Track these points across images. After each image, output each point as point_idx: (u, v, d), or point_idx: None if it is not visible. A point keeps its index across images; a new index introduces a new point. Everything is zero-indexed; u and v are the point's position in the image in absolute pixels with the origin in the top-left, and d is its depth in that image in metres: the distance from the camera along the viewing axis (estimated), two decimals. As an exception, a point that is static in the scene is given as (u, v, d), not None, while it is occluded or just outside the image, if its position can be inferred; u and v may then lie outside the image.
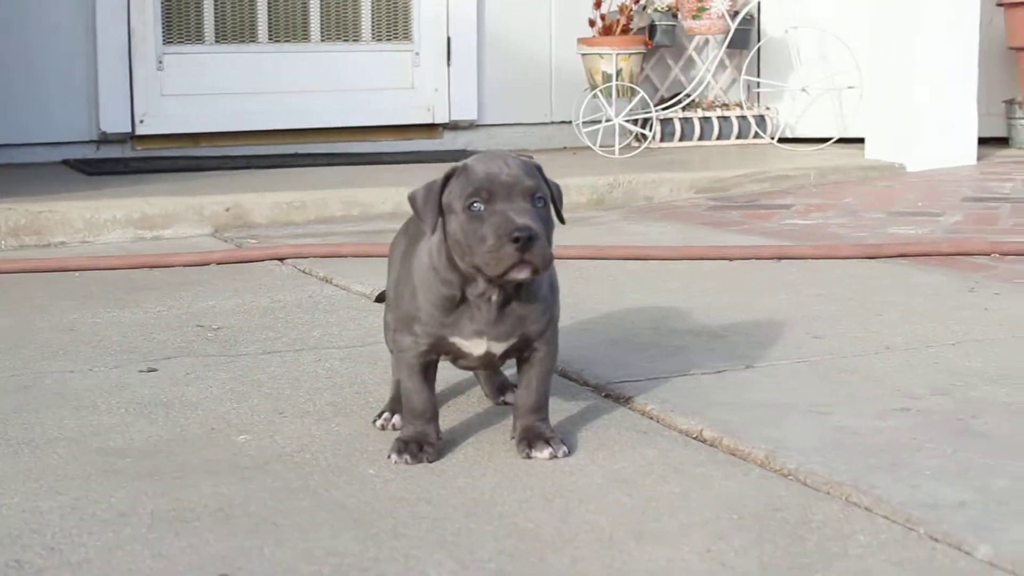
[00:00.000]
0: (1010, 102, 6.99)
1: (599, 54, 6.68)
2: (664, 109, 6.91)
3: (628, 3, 6.79)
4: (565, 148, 7.15)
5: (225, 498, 2.06)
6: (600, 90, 6.64)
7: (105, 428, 2.44)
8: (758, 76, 7.23)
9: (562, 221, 2.21)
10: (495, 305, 2.16)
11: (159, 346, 3.08)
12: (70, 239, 4.72)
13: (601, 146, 6.70)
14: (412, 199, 2.15)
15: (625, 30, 6.75)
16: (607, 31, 6.75)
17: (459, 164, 2.13)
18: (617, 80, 6.65)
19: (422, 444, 2.22)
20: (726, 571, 1.75)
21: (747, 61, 7.40)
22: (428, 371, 2.24)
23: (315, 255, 4.26)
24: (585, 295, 3.57)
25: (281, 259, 4.28)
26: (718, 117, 7.18)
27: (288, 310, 3.48)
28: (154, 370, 2.86)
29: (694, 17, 6.82)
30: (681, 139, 7.09)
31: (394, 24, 6.87)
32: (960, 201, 5.16)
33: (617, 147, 6.59)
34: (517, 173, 2.09)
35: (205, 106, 6.43)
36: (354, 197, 5.13)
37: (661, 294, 3.60)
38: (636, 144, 6.77)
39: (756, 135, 7.23)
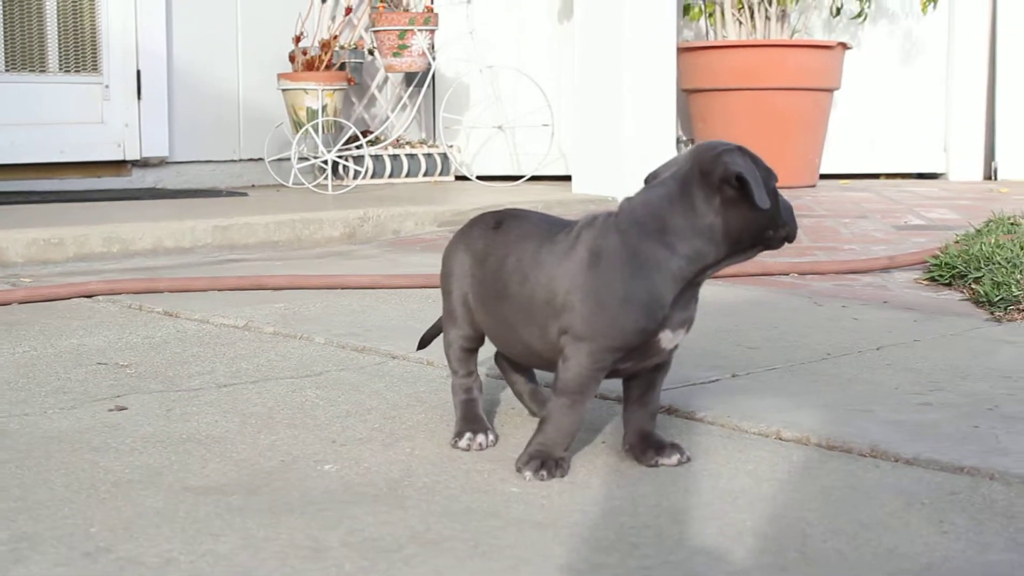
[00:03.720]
0: (678, 141, 7.45)
1: (304, 89, 6.57)
2: (359, 147, 6.88)
3: (329, 39, 6.73)
4: (254, 186, 6.99)
5: (401, 526, 1.91)
6: (309, 126, 6.53)
7: (160, 468, 2.19)
8: (436, 115, 7.34)
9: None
10: (697, 290, 2.18)
11: (86, 384, 2.78)
12: None
13: (307, 183, 6.59)
14: (742, 179, 2.06)
15: (328, 66, 6.68)
16: (309, 66, 6.66)
17: (733, 145, 2.12)
18: (323, 116, 6.57)
19: (557, 459, 2.14)
20: (988, 549, 1.81)
21: (428, 100, 7.51)
22: None
23: (129, 291, 3.97)
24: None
25: (89, 295, 3.94)
26: (406, 155, 7.24)
27: (174, 345, 3.22)
28: (124, 408, 2.58)
29: (395, 55, 6.84)
30: (373, 176, 7.09)
31: (82, 55, 6.49)
32: (700, 229, 5.46)
33: (330, 184, 6.50)
34: None
35: None
36: (116, 233, 4.80)
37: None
38: (335, 181, 6.71)
39: (441, 172, 7.34)
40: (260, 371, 2.91)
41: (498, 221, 2.35)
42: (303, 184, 6.64)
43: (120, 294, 3.94)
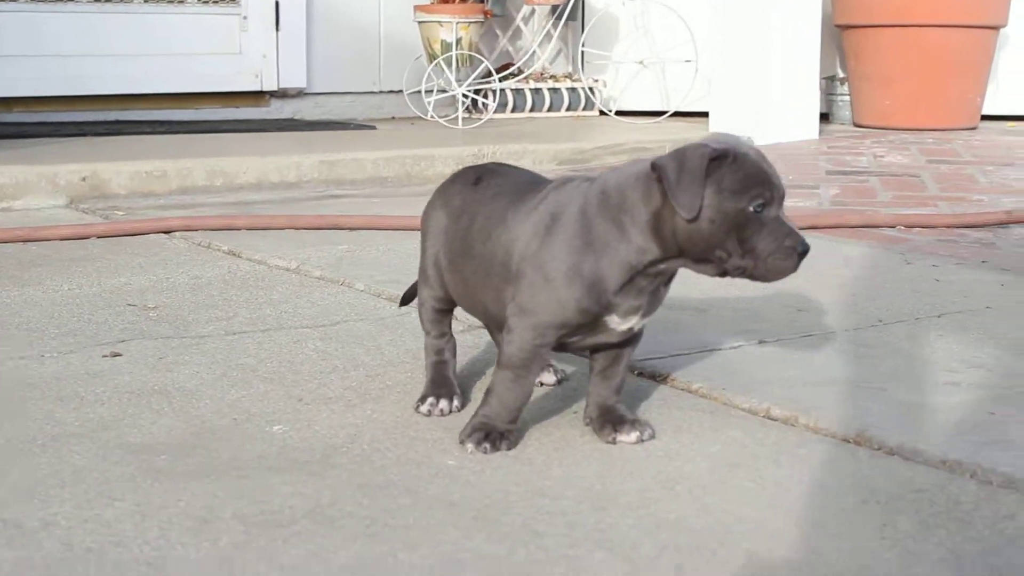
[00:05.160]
0: (831, 79, 7.13)
1: (439, 22, 6.49)
2: (494, 81, 6.76)
3: (466, -30, 6.62)
4: (394, 118, 6.95)
5: (310, 498, 1.83)
6: (441, 59, 6.45)
7: (110, 421, 2.15)
8: (583, 48, 7.17)
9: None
10: (661, 280, 2.00)
11: (101, 328, 2.78)
12: (-91, 211, 4.27)
13: (439, 117, 6.52)
14: (662, 169, 1.90)
15: (464, -2, 6.58)
16: (445, -1, 6.57)
17: (716, 148, 1.91)
18: (457, 49, 6.48)
19: (503, 432, 2.02)
20: (920, 561, 1.64)
21: (576, 33, 7.35)
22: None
23: (207, 227, 3.96)
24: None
25: (168, 232, 3.96)
26: (549, 89, 7.10)
27: (216, 287, 3.20)
28: (118, 354, 2.56)
29: (532, -14, 6.69)
30: (513, 110, 6.98)
31: (221, -15, 6.50)
32: (826, 175, 5.21)
33: (460, 118, 6.42)
34: (780, 178, 1.98)
35: (17, 68, 5.95)
36: (219, 167, 4.82)
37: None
38: (467, 115, 6.62)
39: (585, 107, 7.18)
40: (278, 319, 2.86)
41: (478, 177, 2.23)
42: (438, 118, 6.57)
43: (197, 231, 3.94)
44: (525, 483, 1.89)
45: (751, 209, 1.91)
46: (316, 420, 2.17)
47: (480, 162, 5.34)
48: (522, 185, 2.14)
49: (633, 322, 2.00)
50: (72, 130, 5.64)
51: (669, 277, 2.03)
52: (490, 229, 2.08)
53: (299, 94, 6.78)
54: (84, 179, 4.55)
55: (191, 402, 2.26)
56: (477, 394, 2.29)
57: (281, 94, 6.73)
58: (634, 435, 2.06)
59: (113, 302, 3.02)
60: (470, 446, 2.02)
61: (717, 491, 1.87)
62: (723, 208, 1.90)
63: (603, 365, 2.10)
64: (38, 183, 4.47)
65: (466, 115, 6.58)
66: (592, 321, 1.97)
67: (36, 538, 1.67)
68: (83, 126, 5.82)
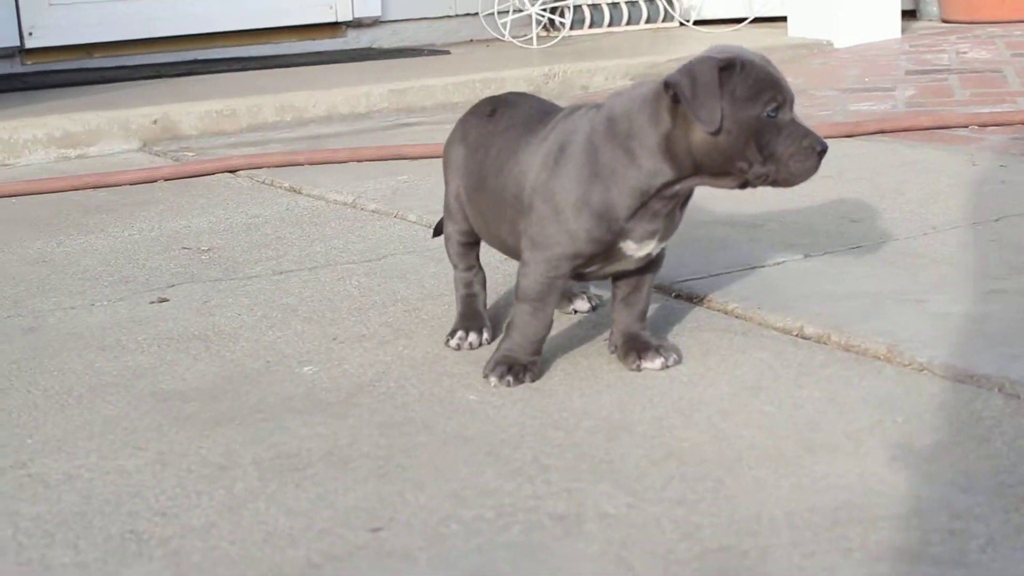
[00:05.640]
0: (917, -27, 6.93)
1: (509, -60, 6.41)
2: (572, -4, 6.68)
3: None
4: (471, 41, 6.90)
5: (328, 439, 1.85)
6: (513, -22, 6.39)
7: (147, 369, 2.20)
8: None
9: None
10: (676, 201, 1.98)
11: (153, 273, 2.82)
12: (-12, 163, 4.36)
13: (515, 38, 6.46)
14: (676, 86, 1.87)
15: (533, -87, 6.49)
16: (514, -85, 6.48)
17: (722, 58, 1.88)
18: (529, -33, 6.40)
19: (525, 364, 2.03)
20: (931, 484, 1.61)
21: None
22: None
23: (270, 165, 4.00)
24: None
25: (233, 171, 4.00)
26: (626, 2, 7.00)
27: (272, 225, 3.23)
28: (165, 300, 2.61)
29: None
30: (591, 26, 6.90)
31: (291, -83, 6.49)
32: (905, 75, 5.07)
33: (535, 37, 6.36)
34: (787, 82, 1.95)
35: (97, 14, 6.02)
36: (288, 102, 4.85)
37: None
38: (544, 34, 6.55)
39: (665, 18, 7.07)
40: (328, 255, 2.88)
41: (493, 108, 2.22)
42: (514, 39, 6.52)
43: (261, 168, 3.98)
44: (542, 415, 1.90)
45: (766, 114, 1.88)
46: (347, 359, 2.19)
47: (550, 82, 5.31)
48: (534, 116, 2.13)
49: (651, 247, 1.99)
50: (149, 72, 5.70)
51: (685, 199, 2.00)
52: (503, 162, 2.07)
53: (374, 23, 6.77)
54: (155, 122, 4.61)
55: (227, 346, 2.30)
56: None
57: (356, 24, 6.72)
58: (659, 361, 2.05)
59: (170, 246, 3.07)
60: (493, 380, 2.02)
61: (734, 416, 1.86)
62: (739, 117, 1.88)
63: (625, 292, 2.09)
64: (110, 128, 4.54)
65: (544, 34, 6.52)
66: (607, 250, 1.96)
67: (57, 492, 1.72)
68: (160, 68, 5.89)
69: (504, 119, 2.16)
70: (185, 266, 2.87)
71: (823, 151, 1.91)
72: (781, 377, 1.99)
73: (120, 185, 3.90)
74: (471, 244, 2.27)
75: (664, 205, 1.96)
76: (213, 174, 3.99)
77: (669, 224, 1.99)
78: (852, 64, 5.44)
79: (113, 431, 1.92)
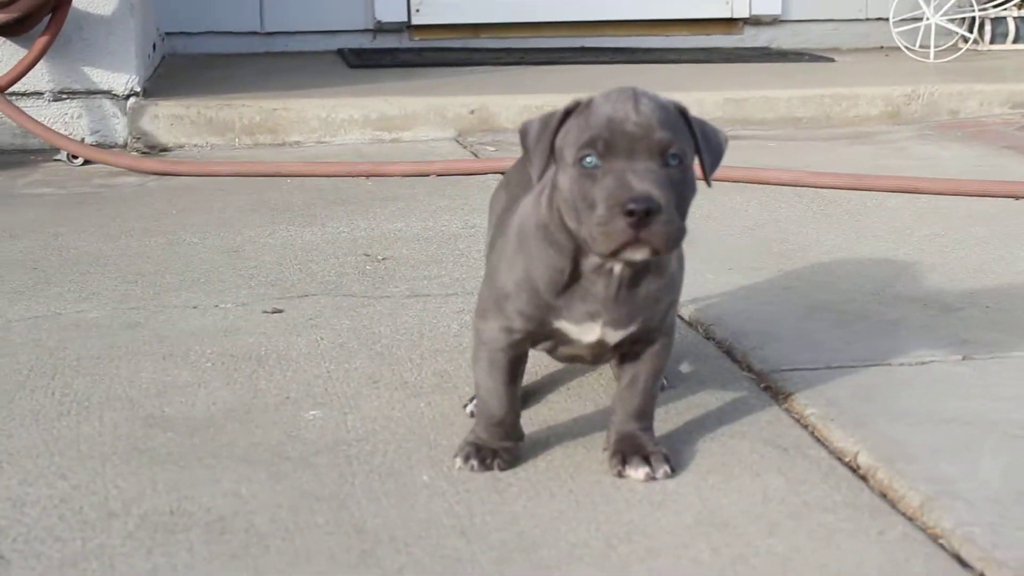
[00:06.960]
0: None
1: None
2: (995, 6, 6.07)
3: None
4: (882, 48, 6.44)
5: (237, 503, 1.72)
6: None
7: (174, 387, 2.14)
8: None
9: (708, 184, 1.74)
10: (616, 281, 1.70)
11: (307, 279, 2.78)
12: (305, 139, 4.50)
13: (922, 47, 5.94)
14: (523, 134, 1.69)
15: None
16: (933, -84, 5.96)
17: (585, 98, 1.66)
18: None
19: (496, 450, 1.81)
20: None
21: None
22: (515, 367, 1.80)
23: (539, 171, 3.86)
24: (807, 238, 3.04)
25: (503, 172, 3.89)
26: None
27: (463, 240, 3.11)
28: (279, 311, 2.55)
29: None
30: (1015, 41, 6.25)
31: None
32: None
33: (932, 50, 5.83)
34: (648, 120, 1.59)
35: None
36: (609, 103, 4.67)
37: (909, 241, 3.03)
38: (961, 47, 5.98)
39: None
40: (471, 282, 2.72)
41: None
42: (926, 49, 5.98)
43: (530, 173, 3.85)
44: (464, 516, 1.67)
45: (582, 162, 1.59)
46: (359, 408, 2.05)
47: (912, 104, 4.84)
48: None
49: (597, 333, 1.71)
50: (540, 58, 5.70)
51: (636, 280, 1.70)
52: (503, 218, 1.88)
53: (774, 21, 6.45)
54: (472, 112, 4.59)
55: (270, 374, 2.21)
56: (545, 394, 2.07)
57: (755, 21, 6.44)
58: (643, 471, 1.77)
59: (352, 250, 3.02)
60: (458, 462, 1.82)
61: (659, 558, 1.56)
62: (560, 165, 1.64)
63: (621, 385, 1.82)
64: (427, 115, 4.56)
65: (960, 47, 5.95)
66: (541, 327, 1.73)
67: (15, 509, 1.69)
68: (550, 53, 5.89)
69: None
70: (343, 275, 2.81)
71: (634, 211, 1.53)
72: (763, 516, 1.66)
73: (391, 176, 3.90)
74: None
75: (600, 285, 1.68)
76: (484, 174, 3.91)
77: (619, 309, 1.70)
78: None
79: (65, 452, 1.88)
